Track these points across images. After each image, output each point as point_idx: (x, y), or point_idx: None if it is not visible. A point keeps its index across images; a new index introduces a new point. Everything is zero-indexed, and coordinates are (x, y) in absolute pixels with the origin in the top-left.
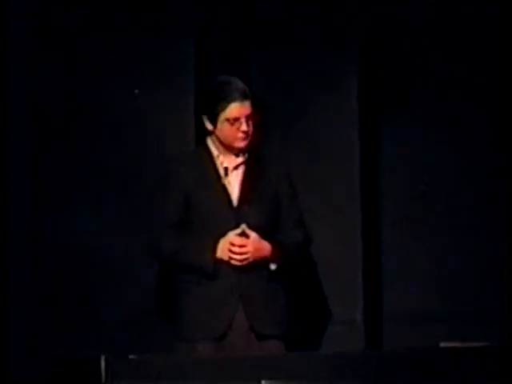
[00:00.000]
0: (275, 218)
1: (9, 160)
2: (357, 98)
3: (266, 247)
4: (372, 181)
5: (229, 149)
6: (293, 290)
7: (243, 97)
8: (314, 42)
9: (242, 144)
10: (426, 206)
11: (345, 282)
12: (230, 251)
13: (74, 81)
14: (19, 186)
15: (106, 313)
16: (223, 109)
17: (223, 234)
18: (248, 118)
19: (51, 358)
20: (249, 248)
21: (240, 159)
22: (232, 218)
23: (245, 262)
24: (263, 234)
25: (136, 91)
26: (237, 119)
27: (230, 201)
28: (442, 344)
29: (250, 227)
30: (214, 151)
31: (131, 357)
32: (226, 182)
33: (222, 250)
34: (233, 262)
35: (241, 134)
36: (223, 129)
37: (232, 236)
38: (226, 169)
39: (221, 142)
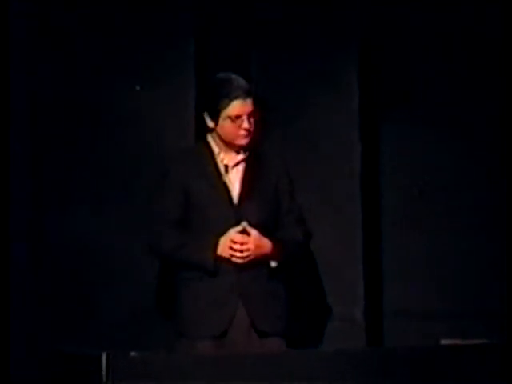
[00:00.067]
0: (275, 216)
1: (9, 160)
2: (357, 97)
3: (266, 245)
4: (372, 181)
5: (230, 146)
6: (293, 288)
7: (245, 94)
8: (314, 41)
9: (243, 141)
10: (426, 206)
11: (345, 280)
12: (231, 249)
13: (74, 81)
14: (19, 185)
15: (106, 312)
16: (225, 106)
17: (224, 232)
18: (250, 115)
19: (52, 354)
20: (249, 245)
21: (240, 156)
22: (232, 215)
23: (246, 260)
24: (263, 232)
25: (137, 87)
26: (238, 117)
27: (230, 198)
28: (443, 341)
29: (250, 224)
30: (215, 148)
31: (132, 354)
32: (226, 179)
33: (223, 247)
34: (233, 259)
35: (242, 132)
36: (225, 126)
37: (233, 233)
38: (226, 166)
39: (222, 140)
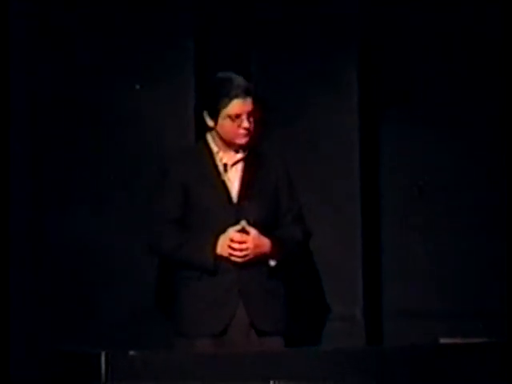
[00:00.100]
0: (275, 214)
1: (9, 160)
2: (357, 97)
3: (265, 243)
4: (372, 181)
5: (229, 145)
6: (293, 287)
7: (245, 93)
8: (314, 41)
9: (242, 140)
10: (426, 206)
11: (345, 280)
12: (230, 248)
13: (74, 81)
14: (19, 185)
15: (106, 312)
16: (225, 105)
17: (223, 231)
18: (249, 114)
19: (52, 354)
20: (249, 244)
21: (239, 155)
22: (232, 214)
23: (245, 259)
24: (263, 230)
25: (137, 86)
26: (238, 116)
27: (229, 197)
28: (442, 340)
29: (249, 223)
30: (214, 147)
31: (132, 354)
32: (225, 178)
33: (222, 246)
34: (233, 258)
35: (242, 131)
36: (224, 125)
37: (232, 232)
38: (225, 165)
39: (221, 138)
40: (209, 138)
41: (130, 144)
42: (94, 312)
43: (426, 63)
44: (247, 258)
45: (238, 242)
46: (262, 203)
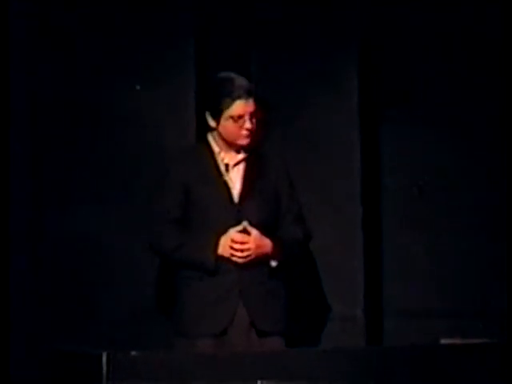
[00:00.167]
0: (276, 214)
1: (9, 160)
2: (357, 97)
3: (267, 244)
4: (372, 181)
5: (231, 146)
6: (293, 287)
7: (247, 94)
8: (314, 41)
9: (244, 141)
10: (426, 206)
11: (345, 280)
12: (231, 248)
13: (74, 81)
14: (19, 185)
15: (106, 312)
16: (227, 106)
17: (224, 231)
18: (251, 115)
19: (52, 354)
20: (250, 245)
21: (241, 156)
22: (233, 214)
23: (246, 259)
24: (264, 231)
25: (137, 87)
26: (241, 117)
27: (231, 197)
28: (443, 340)
29: (250, 224)
30: (215, 147)
31: (132, 354)
32: (227, 178)
33: (223, 246)
34: (234, 258)
35: (244, 132)
36: (226, 126)
37: (233, 233)
38: (226, 165)
39: (223, 139)
40: (210, 138)
41: (130, 144)
42: (94, 312)
43: (426, 63)
44: (248, 259)
45: (240, 242)
46: (262, 203)
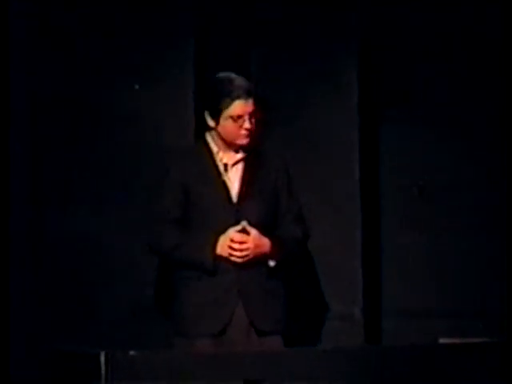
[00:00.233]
0: (275, 214)
1: (9, 160)
2: (357, 97)
3: (265, 244)
4: (372, 181)
5: (230, 145)
6: (292, 287)
7: (247, 94)
8: (314, 41)
9: (244, 141)
10: (426, 206)
11: (345, 279)
12: (230, 248)
13: (73, 80)
14: (19, 185)
15: (106, 312)
16: (227, 106)
17: (223, 231)
18: (251, 115)
19: (51, 353)
20: (249, 245)
21: (240, 155)
22: (232, 214)
23: (245, 259)
24: (263, 231)
25: (136, 86)
26: (240, 116)
27: (229, 197)
28: (442, 340)
29: (249, 224)
30: (214, 147)
31: (131, 353)
32: (225, 178)
33: (222, 246)
34: (233, 258)
35: (243, 132)
36: (226, 125)
37: (232, 233)
38: (225, 165)
39: (222, 139)
40: (208, 137)
41: (130, 144)
42: (93, 312)
43: (426, 63)
44: (247, 259)
45: (239, 242)
46: (261, 203)
